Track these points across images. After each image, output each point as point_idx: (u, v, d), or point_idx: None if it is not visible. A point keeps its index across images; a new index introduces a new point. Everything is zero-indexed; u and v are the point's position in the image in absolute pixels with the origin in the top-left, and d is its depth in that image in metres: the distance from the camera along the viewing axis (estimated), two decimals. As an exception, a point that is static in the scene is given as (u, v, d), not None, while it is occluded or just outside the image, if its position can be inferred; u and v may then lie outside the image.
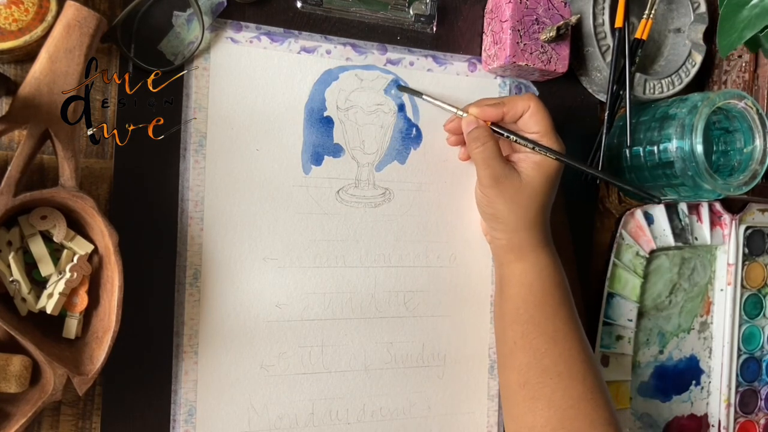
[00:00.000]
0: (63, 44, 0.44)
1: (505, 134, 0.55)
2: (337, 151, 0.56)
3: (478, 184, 0.55)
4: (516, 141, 0.54)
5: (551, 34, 0.57)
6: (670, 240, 0.67)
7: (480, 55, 0.61)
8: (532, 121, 0.54)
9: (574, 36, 0.61)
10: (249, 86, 0.54)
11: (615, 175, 0.66)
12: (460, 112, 0.56)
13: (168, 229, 0.52)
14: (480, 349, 0.61)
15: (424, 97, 0.58)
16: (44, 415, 0.49)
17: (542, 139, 0.54)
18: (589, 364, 0.53)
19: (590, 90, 0.65)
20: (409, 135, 0.59)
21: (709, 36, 0.67)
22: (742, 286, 0.72)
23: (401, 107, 0.58)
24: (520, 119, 0.55)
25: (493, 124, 0.55)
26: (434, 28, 0.60)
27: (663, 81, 0.65)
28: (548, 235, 0.56)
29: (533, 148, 0.54)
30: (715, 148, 0.66)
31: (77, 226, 0.48)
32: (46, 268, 0.47)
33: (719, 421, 0.71)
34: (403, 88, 0.58)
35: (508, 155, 0.56)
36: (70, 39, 0.44)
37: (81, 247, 0.47)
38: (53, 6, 0.45)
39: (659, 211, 0.67)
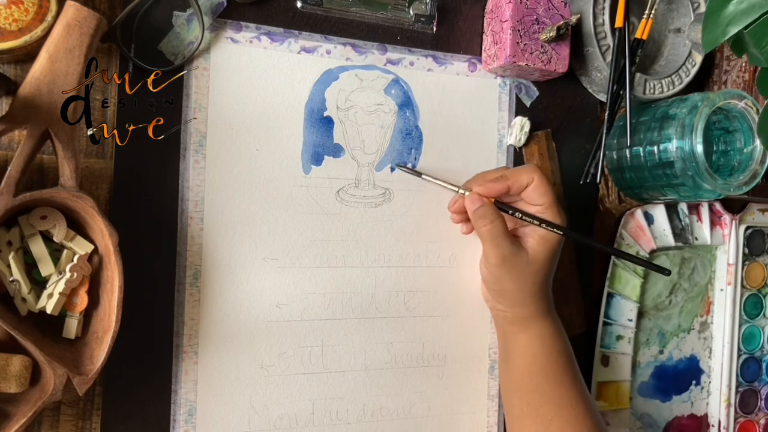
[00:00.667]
0: (63, 44, 0.44)
1: (511, 212, 0.55)
2: (337, 151, 0.56)
3: (485, 261, 0.55)
4: (522, 218, 0.54)
5: (551, 34, 0.57)
6: (670, 240, 0.67)
7: (480, 55, 0.61)
8: (536, 193, 0.54)
9: (574, 36, 0.61)
10: (249, 86, 0.54)
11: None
12: (461, 191, 0.56)
13: (168, 229, 0.52)
14: (480, 349, 0.61)
15: (423, 176, 0.57)
16: (44, 415, 0.49)
17: (546, 211, 0.54)
18: (595, 429, 0.54)
19: (590, 90, 0.65)
20: (410, 135, 0.59)
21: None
22: (742, 286, 0.72)
23: (401, 107, 0.58)
24: (524, 191, 0.54)
25: (497, 201, 0.55)
26: (434, 28, 0.59)
27: (663, 81, 0.65)
28: (551, 304, 0.57)
29: (540, 225, 0.54)
30: (715, 148, 0.66)
31: (77, 226, 0.48)
32: (46, 268, 0.47)
33: (719, 421, 0.71)
34: (401, 167, 0.58)
35: (513, 230, 0.56)
36: (70, 39, 0.44)
37: (81, 247, 0.47)
38: (53, 6, 0.45)
39: (659, 212, 0.67)
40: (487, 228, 0.53)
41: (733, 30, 0.52)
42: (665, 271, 0.57)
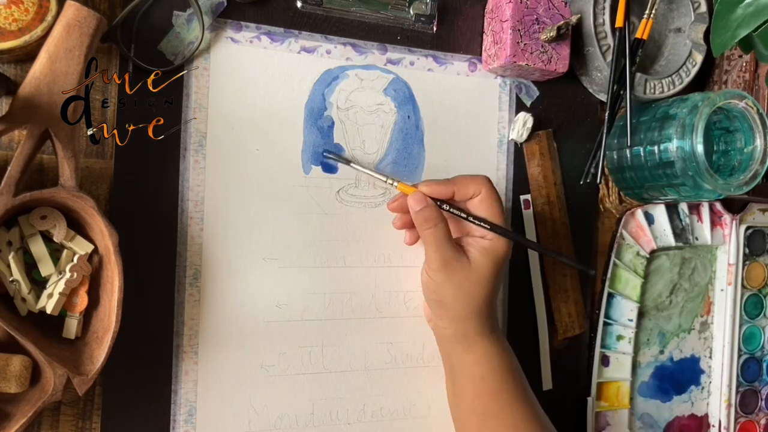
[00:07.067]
0: (63, 44, 0.44)
1: (458, 214, 0.52)
2: (337, 151, 0.56)
3: (426, 267, 0.53)
4: (469, 220, 0.52)
5: (551, 34, 0.57)
6: (670, 240, 0.67)
7: (480, 54, 0.61)
8: (483, 206, 0.52)
9: (574, 36, 0.61)
10: (249, 86, 0.54)
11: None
12: (389, 181, 0.54)
13: (168, 229, 0.52)
14: (480, 349, 0.61)
15: (351, 165, 0.55)
16: (44, 415, 0.49)
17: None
18: None
19: (591, 90, 0.65)
20: (410, 135, 0.59)
21: (710, 36, 0.66)
22: (743, 286, 0.71)
23: (402, 107, 0.58)
24: (470, 201, 0.53)
25: (441, 202, 0.53)
26: (434, 28, 0.59)
27: (663, 81, 0.65)
28: (496, 322, 0.55)
29: (489, 229, 0.52)
30: (715, 148, 0.66)
31: (77, 226, 0.48)
32: (46, 268, 0.47)
33: (720, 422, 0.71)
34: (330, 156, 0.55)
35: (458, 239, 0.54)
36: (70, 39, 0.44)
37: (81, 247, 0.47)
38: (53, 6, 0.45)
39: (660, 212, 0.67)
40: (431, 231, 0.51)
41: (743, 33, 0.52)
42: (590, 271, 0.56)
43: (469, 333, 0.53)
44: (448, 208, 0.53)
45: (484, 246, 0.52)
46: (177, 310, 0.52)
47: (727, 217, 0.70)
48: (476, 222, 0.52)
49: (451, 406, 0.56)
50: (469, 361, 0.53)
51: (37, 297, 0.46)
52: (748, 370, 0.72)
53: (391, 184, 0.55)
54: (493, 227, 0.52)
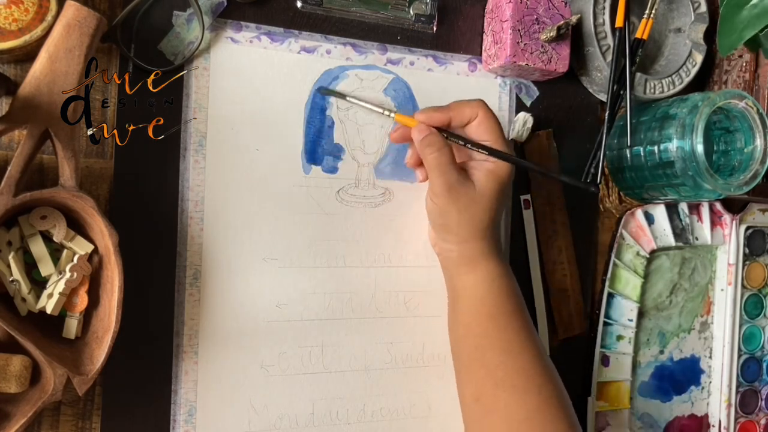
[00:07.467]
0: (63, 44, 0.44)
1: (458, 141, 0.53)
2: (337, 151, 0.56)
3: (430, 192, 0.53)
4: (468, 147, 0.52)
5: (551, 34, 0.57)
6: (670, 240, 0.67)
7: (480, 54, 0.61)
8: (482, 129, 0.52)
9: (574, 36, 0.61)
10: (249, 86, 0.54)
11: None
12: (386, 113, 0.55)
13: (168, 229, 0.52)
14: (480, 349, 0.61)
15: (348, 98, 0.55)
16: (44, 415, 0.49)
17: (493, 147, 0.52)
18: (545, 375, 0.52)
19: (591, 90, 0.65)
20: (410, 135, 0.59)
21: (710, 36, 0.67)
22: (743, 286, 0.71)
23: (402, 107, 0.58)
24: (468, 126, 0.53)
25: (441, 130, 0.53)
26: (434, 28, 0.59)
27: (663, 81, 0.65)
28: (499, 244, 0.55)
29: (487, 153, 0.52)
30: (715, 148, 0.66)
31: (77, 226, 0.48)
32: (46, 268, 0.47)
33: (720, 422, 0.71)
34: (326, 91, 0.55)
35: (461, 163, 0.54)
36: (70, 39, 0.44)
37: (81, 247, 0.47)
38: (53, 6, 0.45)
39: (660, 211, 0.67)
40: (434, 156, 0.51)
41: (749, 34, 0.53)
42: (592, 188, 0.55)
43: (474, 255, 0.53)
44: (445, 136, 0.53)
45: (489, 168, 0.52)
46: (177, 310, 0.52)
47: (727, 217, 0.70)
48: (474, 148, 0.52)
49: (450, 328, 0.56)
50: (471, 281, 0.54)
51: (37, 297, 0.46)
52: (748, 370, 0.72)
53: (389, 115, 0.55)
54: (492, 152, 0.52)
